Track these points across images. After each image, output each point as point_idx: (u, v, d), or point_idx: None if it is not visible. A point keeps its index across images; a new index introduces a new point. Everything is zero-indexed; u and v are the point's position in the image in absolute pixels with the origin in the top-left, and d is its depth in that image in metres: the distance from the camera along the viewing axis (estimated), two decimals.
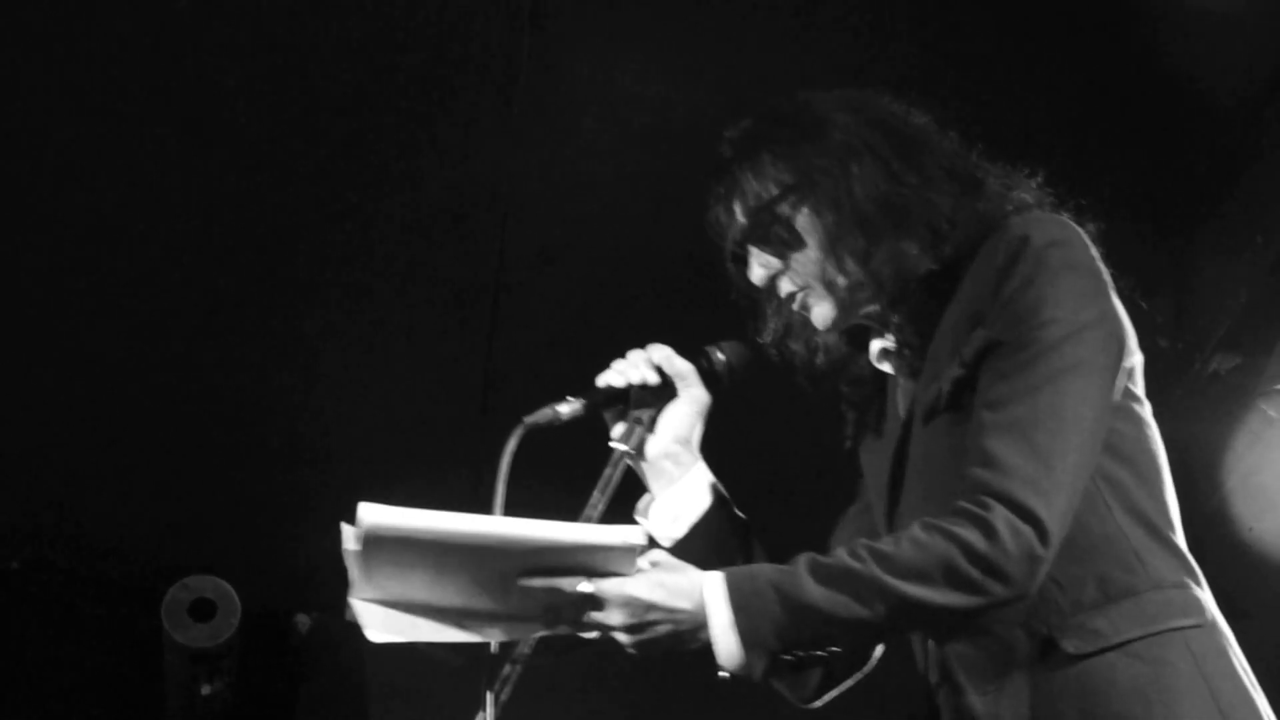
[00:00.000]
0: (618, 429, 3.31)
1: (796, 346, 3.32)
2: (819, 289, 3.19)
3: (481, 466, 6.37)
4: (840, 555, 2.90)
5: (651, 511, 3.35)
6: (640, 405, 3.30)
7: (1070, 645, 2.95)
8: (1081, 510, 2.95)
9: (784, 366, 3.34)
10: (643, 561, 2.91)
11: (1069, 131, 5.37)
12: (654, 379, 3.30)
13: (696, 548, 3.27)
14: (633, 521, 3.33)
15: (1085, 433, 2.95)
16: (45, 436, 6.40)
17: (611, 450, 3.27)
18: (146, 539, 6.79)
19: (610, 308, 5.95)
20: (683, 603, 2.91)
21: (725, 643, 2.90)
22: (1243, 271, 5.61)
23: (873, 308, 3.21)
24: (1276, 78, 5.35)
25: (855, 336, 3.31)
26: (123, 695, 7.05)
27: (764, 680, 2.94)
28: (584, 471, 3.22)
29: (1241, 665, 3.00)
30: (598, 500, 3.15)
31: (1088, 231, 3.11)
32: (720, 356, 3.34)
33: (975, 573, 2.85)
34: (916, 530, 2.90)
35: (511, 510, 3.00)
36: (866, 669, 3.33)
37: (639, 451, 3.31)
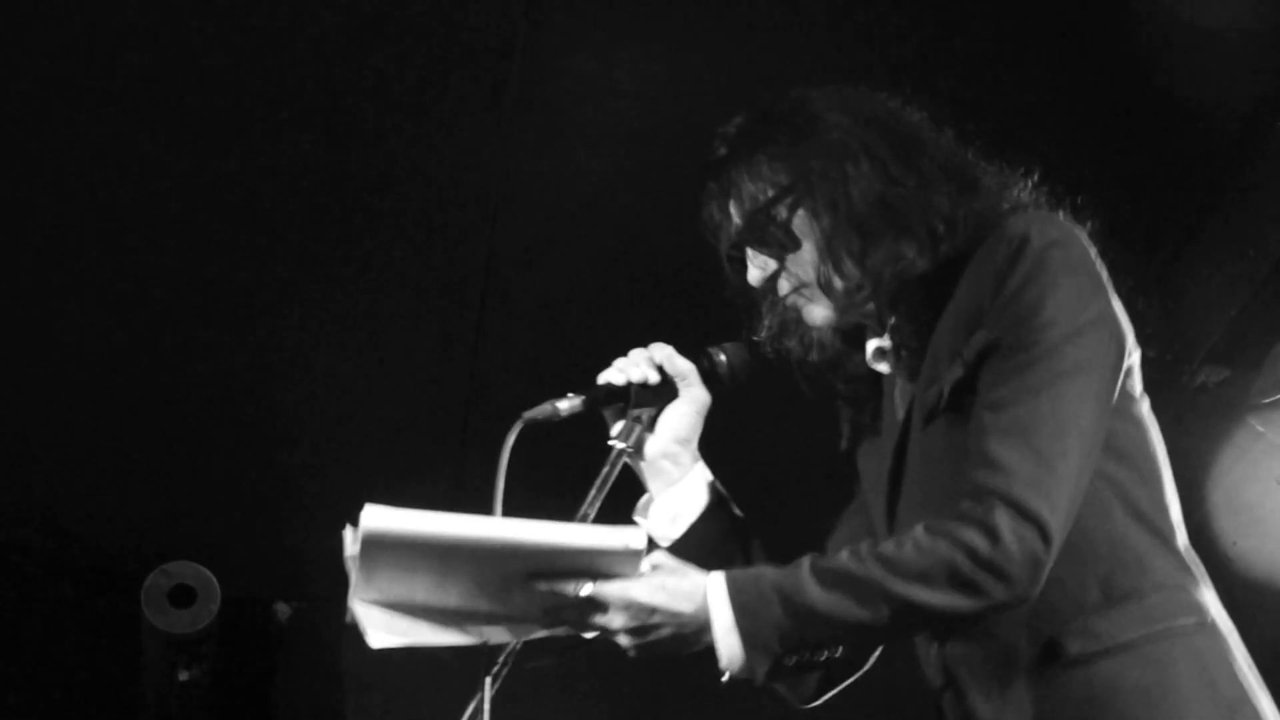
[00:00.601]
0: (617, 427, 3.31)
1: (792, 344, 3.32)
2: (815, 290, 3.19)
3: (466, 460, 6.44)
4: (843, 558, 2.91)
5: (650, 511, 3.35)
6: (640, 404, 3.30)
7: (1074, 647, 2.95)
8: (1083, 511, 2.95)
9: (780, 364, 3.34)
10: (644, 564, 2.91)
11: (1061, 141, 5.34)
12: (655, 378, 3.30)
13: (695, 548, 3.27)
14: (631, 520, 3.34)
15: (1086, 434, 2.95)
16: (26, 422, 6.37)
17: (610, 448, 3.27)
18: (127, 525, 6.78)
19: (599, 306, 5.95)
20: (685, 605, 2.91)
21: (727, 645, 2.90)
22: (1233, 285, 5.62)
23: (870, 309, 3.20)
24: (1270, 91, 5.36)
25: (851, 335, 3.31)
26: (101, 680, 7.03)
27: (766, 683, 2.94)
28: (581, 469, 3.22)
29: (1245, 664, 3.01)
30: (594, 498, 3.15)
31: (1085, 230, 3.12)
32: (722, 358, 3.35)
33: (978, 575, 2.86)
34: (919, 533, 2.90)
35: (508, 505, 3.00)
36: (864, 669, 3.33)
37: (638, 450, 3.32)
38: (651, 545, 2.94)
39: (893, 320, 3.19)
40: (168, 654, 6.78)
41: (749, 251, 3.24)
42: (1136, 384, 3.13)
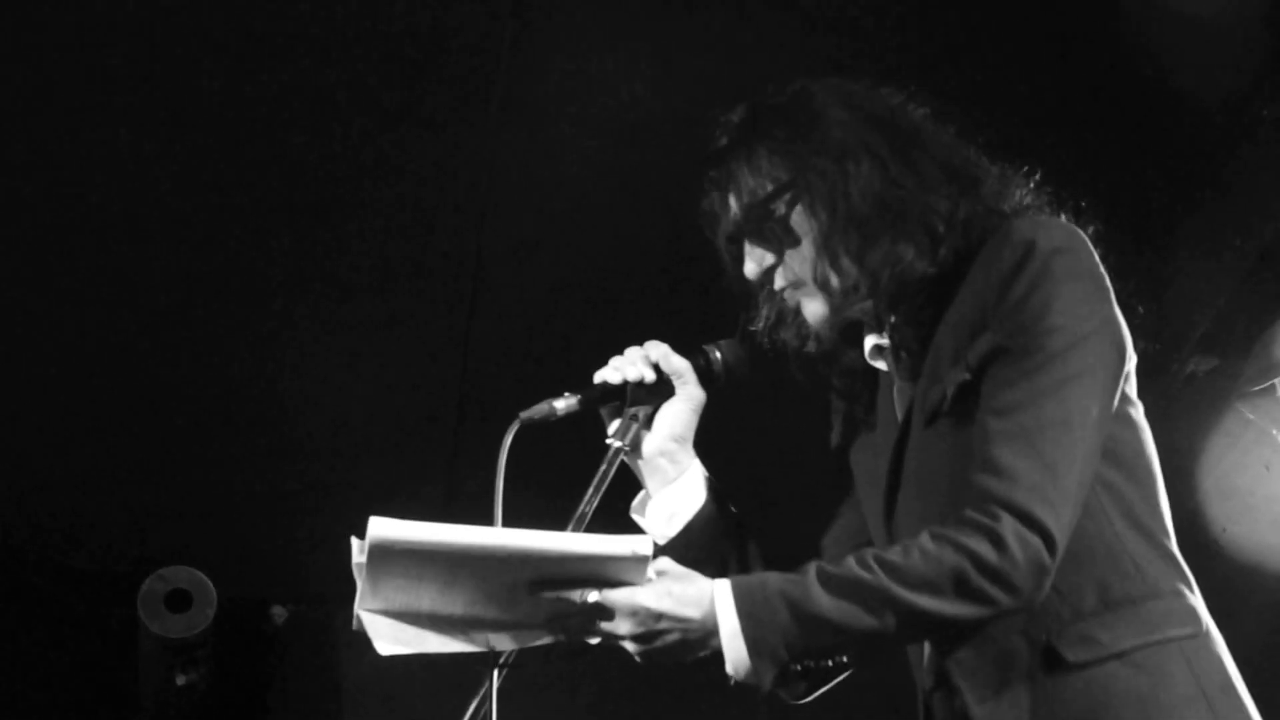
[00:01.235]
0: (613, 426, 3.31)
1: (788, 335, 3.32)
2: (812, 286, 3.19)
3: (458, 460, 6.44)
4: (850, 565, 2.91)
5: (647, 509, 3.36)
6: (636, 402, 3.30)
7: (1070, 654, 2.96)
8: (1081, 517, 2.96)
9: (776, 356, 3.34)
10: (650, 570, 2.91)
11: (1047, 132, 5.35)
12: (651, 376, 3.30)
13: (692, 545, 3.29)
14: (627, 518, 3.35)
15: (1089, 441, 2.97)
16: (22, 427, 6.37)
17: (607, 447, 3.27)
18: (123, 530, 6.78)
19: (590, 305, 5.95)
20: (691, 611, 2.92)
21: (734, 651, 2.90)
22: (1220, 274, 5.63)
23: (867, 307, 3.20)
24: (1256, 81, 5.37)
25: (848, 329, 3.30)
26: (98, 685, 7.03)
27: (772, 689, 2.95)
28: (579, 468, 3.23)
29: (1234, 672, 3.03)
30: (592, 497, 3.15)
31: (1087, 234, 3.12)
32: (717, 355, 3.35)
33: (985, 583, 2.87)
34: (925, 540, 2.90)
35: (506, 505, 3.02)
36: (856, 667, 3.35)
37: (635, 448, 3.31)
38: (658, 551, 2.94)
39: (892, 320, 3.19)
40: (165, 658, 6.78)
41: (746, 244, 3.25)
42: (1133, 389, 3.14)
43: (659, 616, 2.91)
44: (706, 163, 3.28)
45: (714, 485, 3.36)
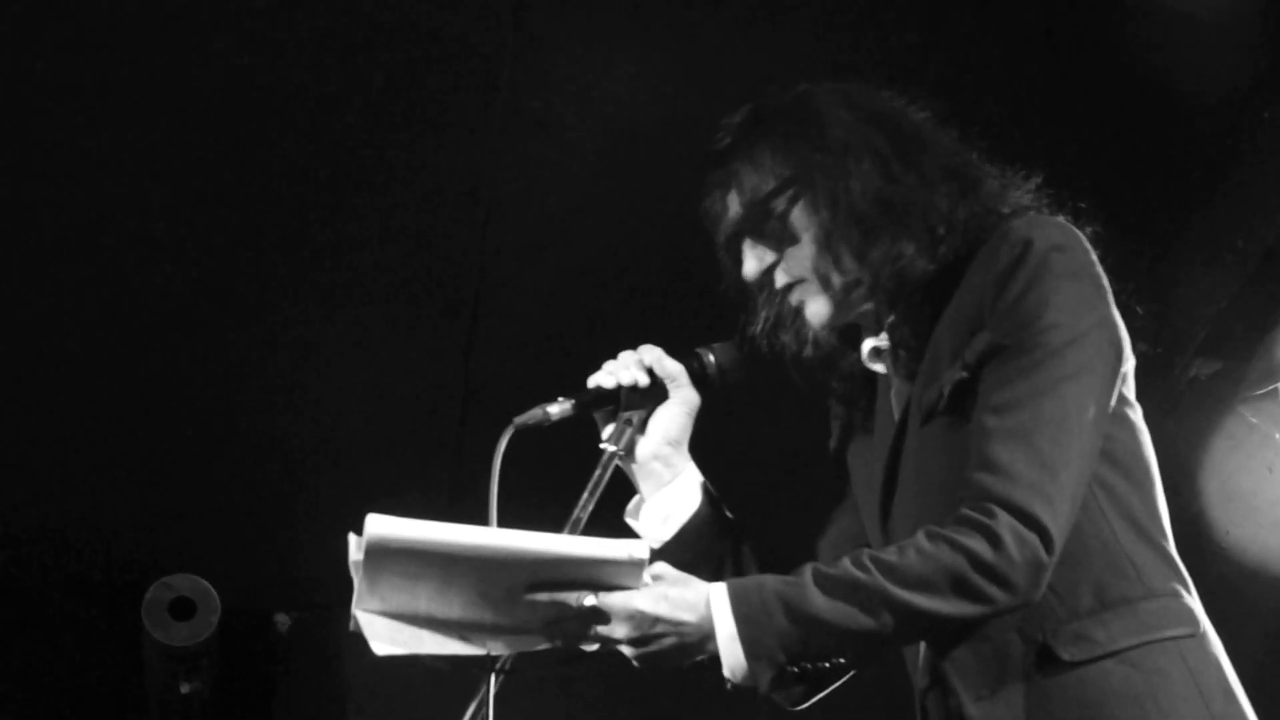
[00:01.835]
0: (607, 430, 3.30)
1: (786, 338, 3.32)
2: (813, 285, 3.20)
3: (461, 466, 6.44)
4: (846, 565, 2.91)
5: (641, 513, 3.35)
6: (630, 406, 3.30)
7: (1066, 653, 2.95)
8: (1078, 517, 2.96)
9: (773, 359, 3.34)
10: (646, 574, 2.90)
11: (1049, 132, 5.36)
12: (644, 380, 3.30)
13: (687, 549, 3.29)
14: (622, 522, 3.35)
15: (1086, 439, 2.97)
16: (26, 435, 6.38)
17: (601, 451, 3.27)
18: (127, 538, 6.78)
19: (592, 308, 5.94)
20: (688, 615, 2.91)
21: (730, 654, 2.90)
22: (1223, 276, 5.62)
23: (867, 306, 3.21)
24: (1257, 82, 5.36)
25: (846, 332, 3.31)
26: (102, 694, 7.03)
27: (770, 692, 2.94)
28: (573, 472, 3.22)
29: (1231, 673, 3.02)
30: (587, 501, 3.15)
31: (1085, 234, 3.12)
32: (711, 359, 3.34)
33: (982, 582, 2.87)
34: (921, 539, 2.90)
35: (502, 510, 3.01)
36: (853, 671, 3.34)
37: (629, 453, 3.31)
38: (654, 555, 2.93)
39: (890, 319, 3.20)
40: (169, 666, 6.78)
41: (747, 243, 3.25)
42: (1131, 390, 3.14)
43: (655, 620, 2.91)
44: (708, 162, 3.29)
45: (708, 489, 3.35)
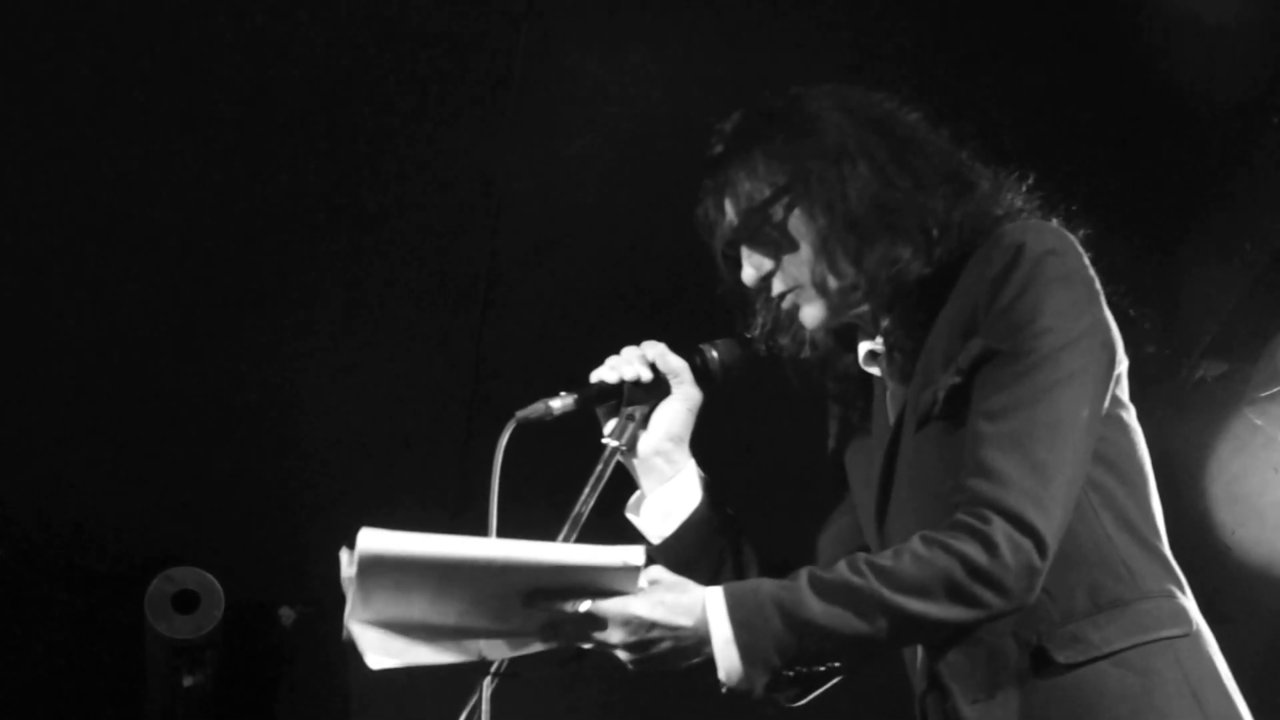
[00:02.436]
0: (610, 425, 3.30)
1: (784, 341, 3.32)
2: (810, 290, 3.20)
3: (469, 461, 6.44)
4: (841, 570, 2.91)
5: (643, 509, 3.35)
6: (633, 402, 3.29)
7: (1061, 655, 2.96)
8: (1071, 519, 2.96)
9: (771, 361, 3.34)
10: (642, 579, 2.90)
11: (1058, 135, 5.37)
12: (647, 376, 3.30)
13: (687, 545, 3.29)
14: (623, 517, 3.35)
15: (1080, 444, 2.97)
16: (30, 428, 6.38)
17: (603, 446, 3.26)
18: (130, 530, 6.78)
19: (602, 304, 5.95)
20: (684, 619, 2.91)
21: (726, 658, 2.90)
22: (1231, 279, 5.63)
23: (863, 309, 3.21)
24: (1267, 85, 5.36)
25: (843, 335, 3.31)
26: (105, 686, 7.03)
27: (766, 696, 2.94)
28: (575, 467, 3.22)
29: (1225, 672, 3.02)
30: (588, 496, 3.14)
31: (1078, 237, 3.13)
32: (714, 355, 3.34)
33: (976, 587, 2.87)
34: (916, 544, 2.90)
35: (503, 504, 3.01)
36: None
37: (631, 448, 3.30)
38: (651, 557, 2.93)
39: (886, 323, 3.20)
40: (172, 659, 6.79)
41: (744, 250, 3.25)
42: (1124, 392, 3.14)
43: (652, 625, 2.90)
44: (703, 169, 3.29)
45: (709, 485, 3.35)
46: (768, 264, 3.22)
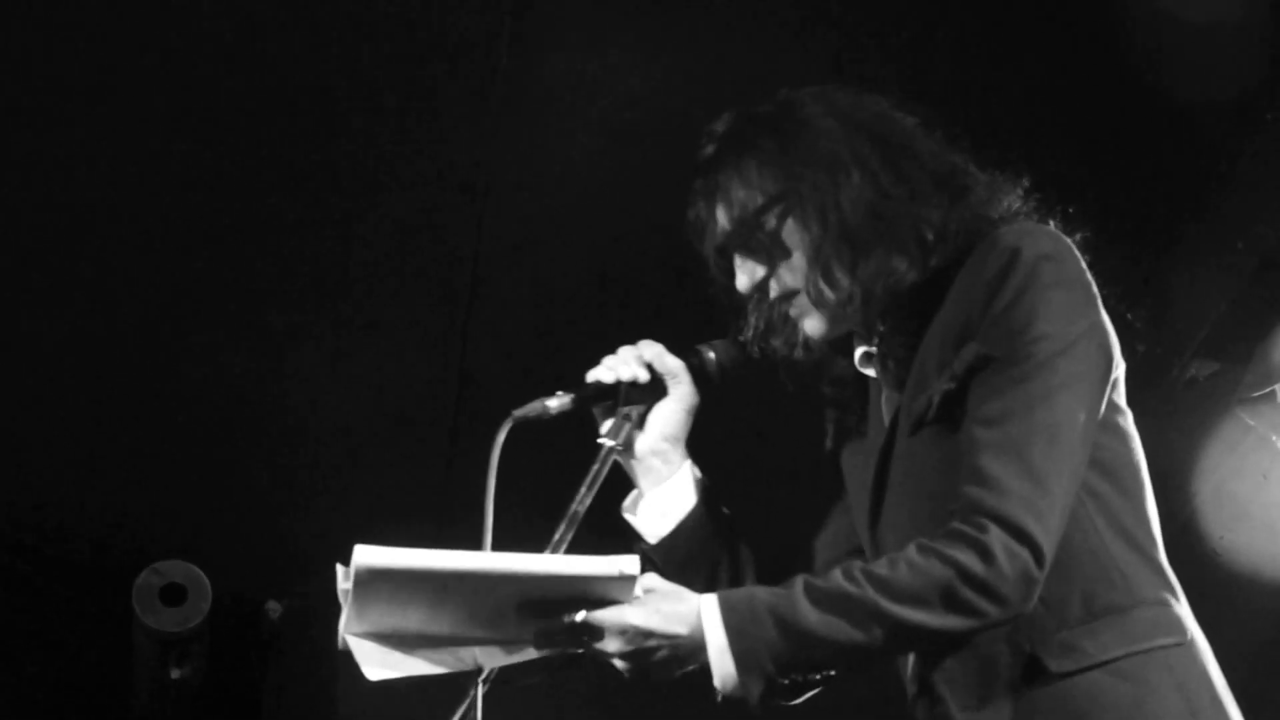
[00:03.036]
0: (606, 425, 3.30)
1: (778, 344, 3.31)
2: (805, 300, 3.19)
3: (456, 458, 6.44)
4: (836, 579, 2.90)
5: (639, 508, 3.35)
6: (629, 402, 3.29)
7: (1054, 663, 2.96)
8: (1067, 526, 2.95)
9: (765, 364, 3.34)
10: (636, 588, 2.90)
11: (1050, 136, 5.37)
12: (644, 376, 3.30)
13: (683, 545, 3.30)
14: (619, 517, 3.35)
15: (1076, 450, 2.96)
16: (17, 421, 6.37)
17: (599, 446, 3.26)
18: (118, 523, 6.77)
19: (589, 303, 5.95)
20: (679, 628, 2.91)
21: (721, 666, 2.90)
22: (1223, 278, 5.63)
23: (860, 318, 3.20)
24: (1260, 85, 5.36)
25: (837, 338, 3.29)
26: (92, 679, 7.04)
27: (761, 703, 2.93)
28: (571, 467, 3.21)
29: (1219, 681, 3.02)
30: (584, 496, 3.14)
31: (1074, 240, 3.12)
32: (711, 355, 3.34)
33: (972, 596, 2.86)
34: (912, 553, 2.90)
35: (498, 503, 3.00)
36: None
37: (627, 448, 3.31)
38: (645, 568, 2.93)
39: (881, 327, 3.19)
40: (159, 652, 6.79)
41: (737, 257, 3.25)
42: (1121, 396, 3.13)
43: (648, 634, 2.91)
44: (694, 173, 3.28)
45: (706, 485, 3.35)
46: (761, 271, 3.22)
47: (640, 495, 3.35)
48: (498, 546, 2.99)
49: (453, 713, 2.97)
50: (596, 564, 2.88)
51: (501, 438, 3.10)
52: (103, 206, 5.66)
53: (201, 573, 6.79)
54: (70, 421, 6.40)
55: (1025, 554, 2.87)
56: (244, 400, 6.37)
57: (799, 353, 3.30)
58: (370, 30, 5.19)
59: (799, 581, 2.93)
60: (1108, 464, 3.06)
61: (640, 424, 3.32)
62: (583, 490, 3.15)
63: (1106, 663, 2.94)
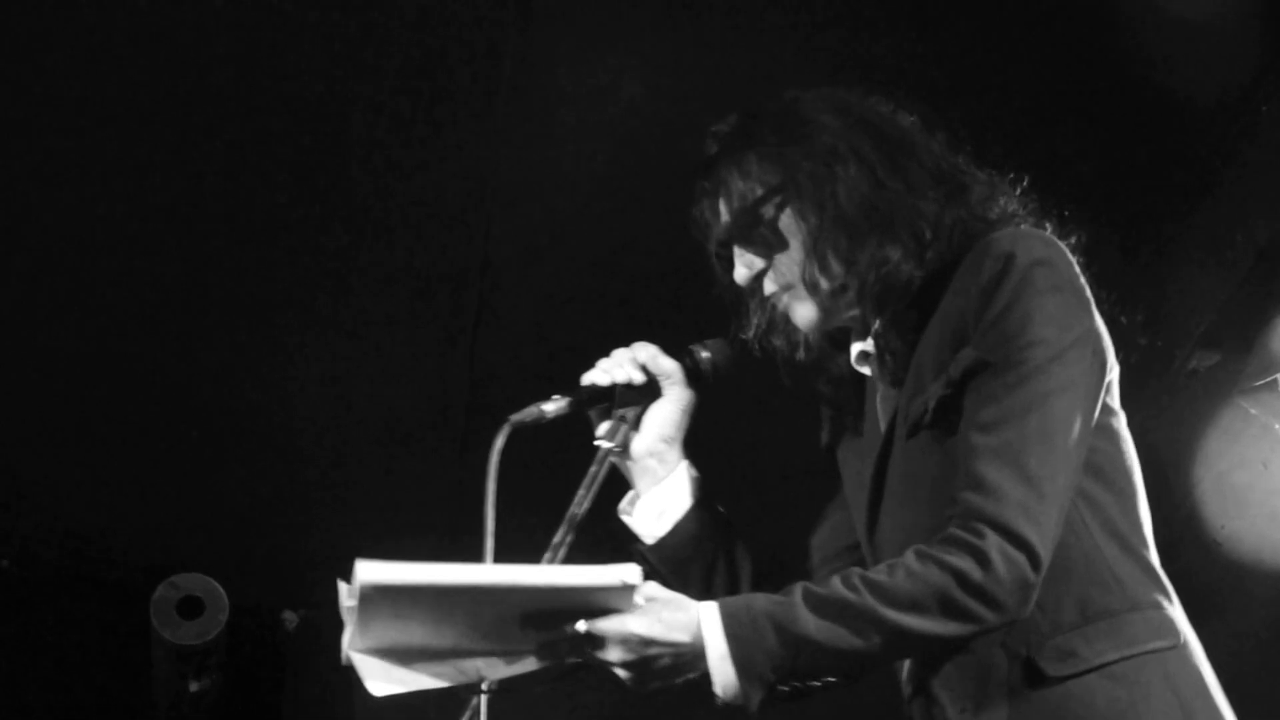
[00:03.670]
0: (603, 427, 3.32)
1: (778, 342, 3.32)
2: (801, 290, 3.20)
3: (467, 465, 6.45)
4: (835, 585, 2.91)
5: (636, 509, 3.36)
6: (625, 403, 3.31)
7: (1050, 667, 2.97)
8: (1062, 531, 2.96)
9: (766, 362, 3.35)
10: (638, 597, 2.91)
11: (1048, 130, 5.37)
12: (639, 378, 3.31)
13: (680, 544, 3.31)
14: (617, 519, 3.36)
15: (1071, 455, 2.97)
16: (36, 436, 6.40)
17: (596, 449, 3.28)
18: (135, 537, 6.80)
19: (598, 307, 5.95)
20: (680, 636, 2.91)
21: (722, 674, 2.90)
22: (1222, 270, 5.62)
23: (854, 311, 3.21)
24: (1256, 78, 5.37)
25: (836, 336, 3.32)
26: (111, 692, 7.06)
27: (761, 710, 2.94)
28: (569, 470, 3.24)
29: (1213, 683, 3.03)
30: (583, 498, 3.16)
31: (1069, 243, 3.13)
32: (705, 355, 3.35)
33: (970, 602, 2.87)
34: (910, 559, 2.91)
35: (497, 509, 3.02)
36: None
37: (624, 450, 3.32)
38: (646, 577, 2.93)
39: (877, 325, 3.20)
40: (177, 665, 6.81)
41: (736, 250, 3.26)
42: (1115, 399, 3.15)
43: (649, 643, 2.91)
44: (697, 170, 3.30)
45: (702, 485, 3.36)
46: (759, 263, 3.23)
47: (637, 496, 3.36)
48: (500, 550, 3.01)
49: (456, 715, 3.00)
50: (597, 574, 2.88)
51: (499, 444, 3.10)
52: (116, 222, 5.68)
53: (218, 585, 6.81)
54: (86, 437, 6.43)
55: (1022, 560, 2.88)
56: (257, 413, 6.39)
57: (799, 352, 3.32)
58: (379, 38, 5.20)
59: (798, 589, 2.94)
60: (1101, 467, 3.07)
61: (636, 425, 3.32)
62: (581, 493, 3.16)
63: (1101, 666, 2.95)
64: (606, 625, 2.90)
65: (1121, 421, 3.15)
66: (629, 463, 3.35)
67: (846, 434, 3.37)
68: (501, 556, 2.99)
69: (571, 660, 2.95)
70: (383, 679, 2.94)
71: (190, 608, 6.76)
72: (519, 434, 3.15)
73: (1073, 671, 2.96)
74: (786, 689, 2.97)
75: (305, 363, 6.25)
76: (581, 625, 2.89)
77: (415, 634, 2.92)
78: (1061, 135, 5.41)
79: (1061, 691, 2.96)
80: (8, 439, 6.41)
